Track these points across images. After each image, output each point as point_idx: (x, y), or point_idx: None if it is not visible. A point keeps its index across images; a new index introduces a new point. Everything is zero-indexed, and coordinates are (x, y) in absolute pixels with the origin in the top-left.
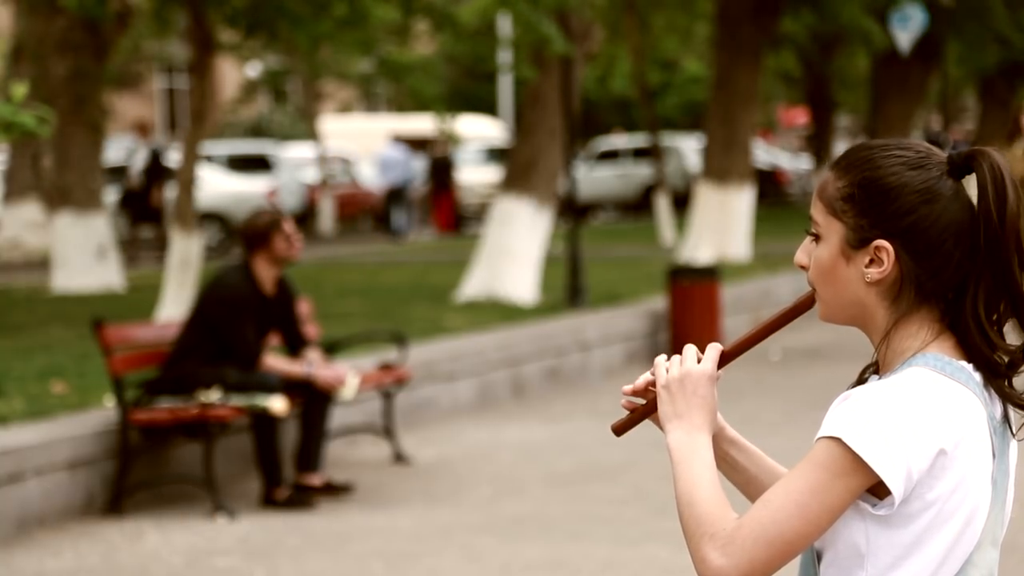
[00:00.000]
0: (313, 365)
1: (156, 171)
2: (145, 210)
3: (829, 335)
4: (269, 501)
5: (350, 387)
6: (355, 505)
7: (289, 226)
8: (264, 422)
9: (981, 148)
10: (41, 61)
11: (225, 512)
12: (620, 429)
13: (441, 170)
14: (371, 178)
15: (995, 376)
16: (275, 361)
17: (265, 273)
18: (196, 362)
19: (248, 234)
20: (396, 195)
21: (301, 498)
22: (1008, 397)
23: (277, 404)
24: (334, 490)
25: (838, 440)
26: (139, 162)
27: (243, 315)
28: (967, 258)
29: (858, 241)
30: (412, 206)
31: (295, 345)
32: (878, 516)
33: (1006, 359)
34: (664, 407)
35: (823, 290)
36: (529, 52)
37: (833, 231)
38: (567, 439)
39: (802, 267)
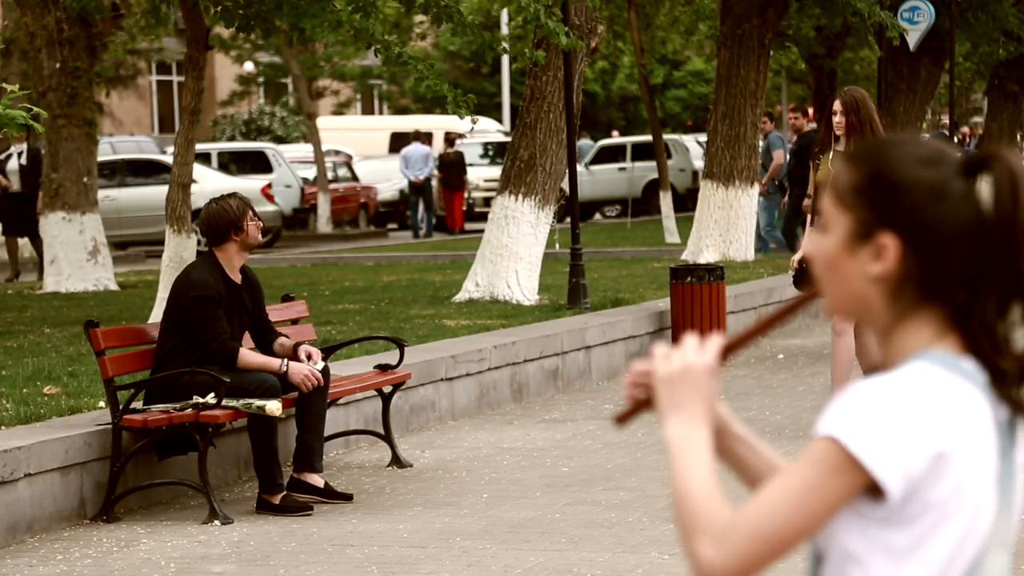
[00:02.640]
0: (287, 361)
1: (36, 175)
2: (23, 220)
3: None
4: (265, 505)
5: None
6: (352, 510)
7: (252, 209)
8: (261, 424)
9: (997, 149)
10: (32, 57)
11: (220, 517)
12: (621, 419)
13: (452, 168)
14: (368, 176)
15: (999, 380)
16: (251, 355)
17: (235, 261)
18: (180, 365)
19: (219, 223)
20: (418, 191)
21: (297, 502)
22: (1012, 402)
23: (272, 404)
24: (334, 495)
25: (835, 438)
26: (16, 163)
27: (217, 309)
28: (976, 260)
29: (863, 235)
30: (432, 202)
31: (263, 336)
32: (877, 517)
33: (1013, 366)
34: (663, 400)
35: (827, 283)
36: (534, 39)
37: (839, 223)
38: (568, 442)
39: (809, 259)
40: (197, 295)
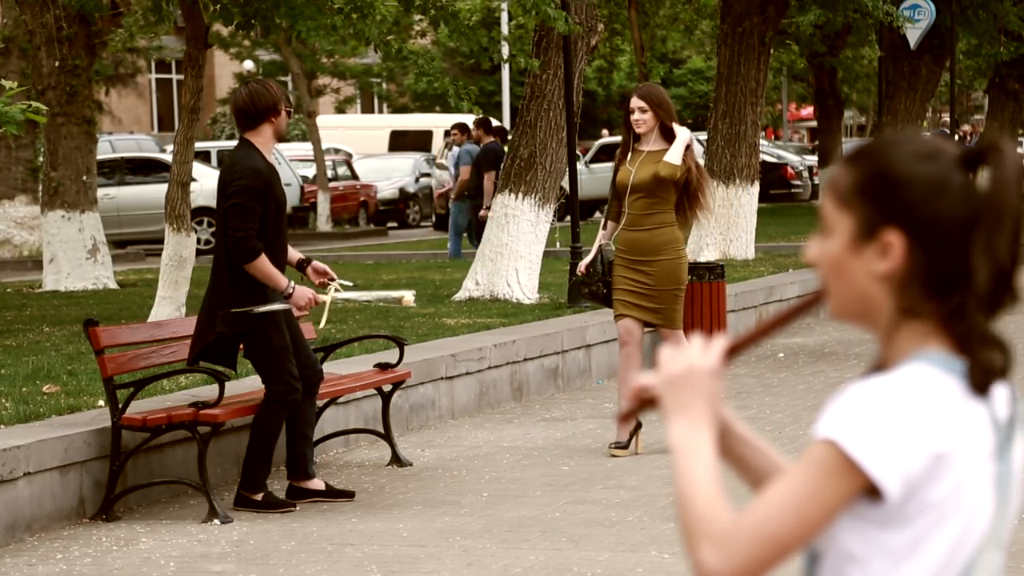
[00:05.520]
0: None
1: None
2: None
3: (835, 334)
4: (245, 502)
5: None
6: (352, 509)
7: (288, 97)
8: (268, 426)
9: (995, 143)
10: (31, 55)
11: (220, 516)
12: (625, 417)
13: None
14: (368, 174)
15: (977, 377)
16: (267, 264)
17: (268, 148)
18: (225, 269)
19: (260, 102)
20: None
21: (279, 499)
22: (982, 393)
23: (409, 295)
24: (336, 494)
25: (833, 441)
26: None
27: (256, 202)
28: (974, 254)
29: (867, 233)
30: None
31: None
32: (876, 519)
33: (991, 361)
34: (667, 401)
35: (832, 284)
36: (530, 40)
37: (843, 224)
38: (568, 441)
39: (813, 263)
40: (244, 184)
